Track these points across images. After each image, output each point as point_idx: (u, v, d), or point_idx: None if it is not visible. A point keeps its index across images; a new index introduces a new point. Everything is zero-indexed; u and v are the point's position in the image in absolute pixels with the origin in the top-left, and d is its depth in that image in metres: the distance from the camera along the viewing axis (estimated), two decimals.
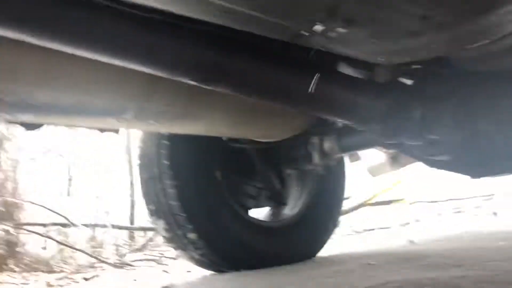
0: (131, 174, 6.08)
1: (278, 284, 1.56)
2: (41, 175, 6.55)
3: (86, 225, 4.84)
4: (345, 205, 5.23)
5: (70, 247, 4.29)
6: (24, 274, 3.63)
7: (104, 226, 5.01)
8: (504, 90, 1.39)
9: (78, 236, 4.71)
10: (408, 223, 3.53)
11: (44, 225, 4.55)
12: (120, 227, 5.18)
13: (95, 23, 1.00)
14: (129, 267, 3.45)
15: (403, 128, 1.37)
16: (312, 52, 1.22)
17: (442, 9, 0.93)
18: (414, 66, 1.46)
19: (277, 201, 2.27)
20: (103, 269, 3.52)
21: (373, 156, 2.40)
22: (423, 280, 1.31)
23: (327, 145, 1.93)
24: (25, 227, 4.49)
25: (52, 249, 4.33)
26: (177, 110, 1.39)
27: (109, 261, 3.80)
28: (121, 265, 3.59)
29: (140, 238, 5.05)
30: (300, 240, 2.23)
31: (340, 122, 1.37)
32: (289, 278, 1.68)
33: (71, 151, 7.08)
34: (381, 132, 1.40)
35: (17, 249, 4.30)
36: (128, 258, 3.99)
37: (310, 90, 1.17)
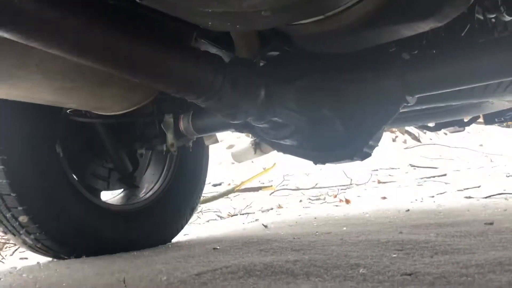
0: None
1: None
2: None
3: None
4: (215, 190, 5.26)
5: None
6: None
7: None
8: (348, 75, 1.39)
9: None
10: (271, 209, 3.60)
11: None
12: None
13: None
14: None
15: (245, 108, 1.32)
16: None
17: None
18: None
19: (128, 183, 2.13)
20: None
21: (240, 142, 2.37)
22: (258, 265, 1.29)
23: (182, 125, 1.84)
24: None
25: None
26: None
27: None
28: None
29: None
30: (154, 225, 2.13)
31: (179, 96, 1.25)
32: (124, 264, 1.57)
33: None
34: (224, 112, 1.33)
35: None
36: None
37: None
